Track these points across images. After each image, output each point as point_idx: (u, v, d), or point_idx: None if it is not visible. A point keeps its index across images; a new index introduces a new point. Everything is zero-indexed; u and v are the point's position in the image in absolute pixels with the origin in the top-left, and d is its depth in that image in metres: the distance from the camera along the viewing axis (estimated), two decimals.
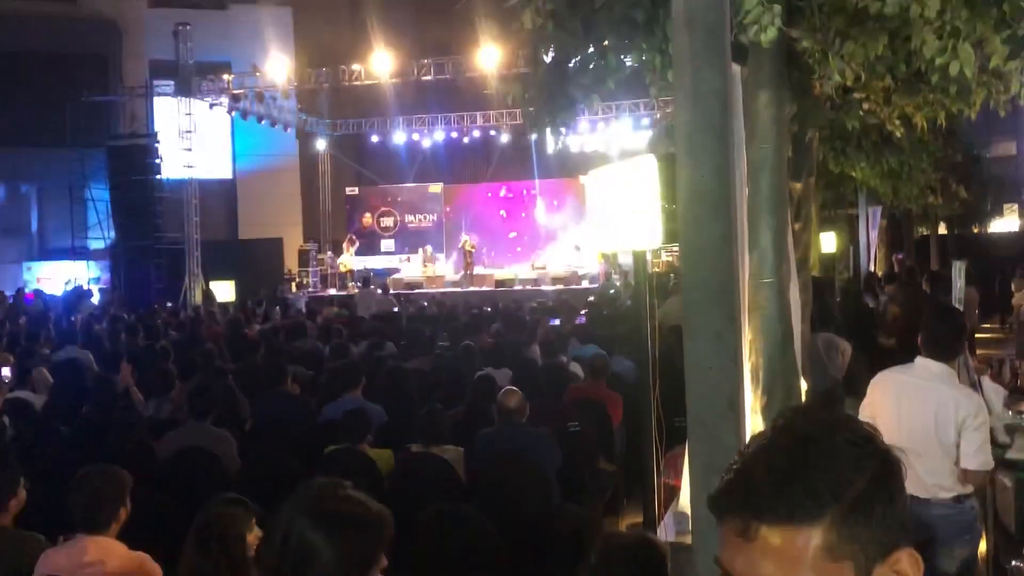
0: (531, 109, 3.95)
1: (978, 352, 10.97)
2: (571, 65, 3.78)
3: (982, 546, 4.61)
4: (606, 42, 3.62)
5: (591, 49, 3.69)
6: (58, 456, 5.40)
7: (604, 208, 3.52)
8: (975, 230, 24.18)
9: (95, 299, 20.28)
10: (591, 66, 3.63)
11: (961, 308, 6.03)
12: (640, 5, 3.33)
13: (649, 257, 14.00)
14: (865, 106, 5.40)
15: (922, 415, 3.77)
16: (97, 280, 23.22)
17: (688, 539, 2.88)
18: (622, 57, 3.68)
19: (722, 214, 1.93)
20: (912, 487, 3.84)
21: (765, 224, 3.72)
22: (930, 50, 3.49)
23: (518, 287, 21.50)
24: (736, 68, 3.88)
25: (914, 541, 2.97)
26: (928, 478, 3.80)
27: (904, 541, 0.98)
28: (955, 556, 3.77)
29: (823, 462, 0.95)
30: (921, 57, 3.75)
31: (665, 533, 3.60)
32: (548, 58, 3.82)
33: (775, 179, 3.74)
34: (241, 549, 2.86)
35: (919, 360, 3.93)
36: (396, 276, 23.56)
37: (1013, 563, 3.58)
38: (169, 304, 19.76)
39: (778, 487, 0.94)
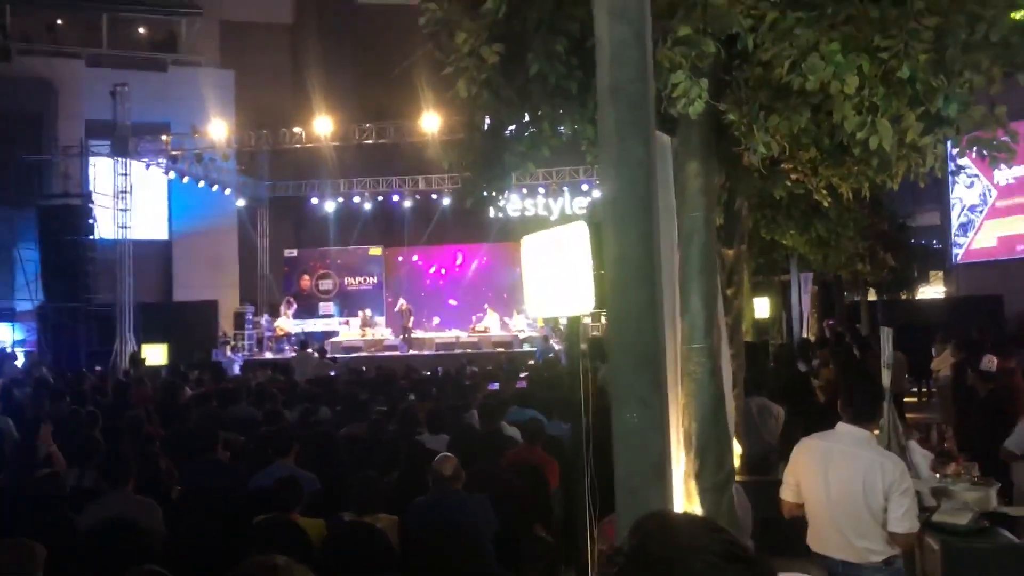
0: (467, 175, 3.99)
1: (907, 416, 11.23)
2: (507, 132, 3.85)
3: None
4: (540, 111, 3.69)
5: (527, 117, 3.76)
6: None
7: (538, 273, 3.55)
8: (903, 296, 24.94)
9: (19, 362, 19.60)
10: (526, 134, 3.70)
11: (890, 373, 6.17)
12: (573, 76, 3.42)
13: (589, 321, 14.12)
14: (793, 176, 5.59)
15: (849, 481, 3.83)
16: (22, 343, 22.47)
17: None
18: (556, 126, 3.75)
19: (648, 280, 1.96)
20: (843, 552, 3.88)
21: (696, 290, 3.79)
22: (851, 124, 3.64)
23: (459, 351, 21.42)
24: (666, 138, 3.99)
25: None
26: (858, 542, 3.84)
27: None
28: None
29: None
30: (843, 131, 3.91)
31: None
32: (485, 126, 3.88)
33: (705, 246, 3.82)
34: None
35: (840, 426, 4.00)
36: (335, 339, 23.31)
37: None
38: (98, 368, 19.18)
39: None
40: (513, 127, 3.85)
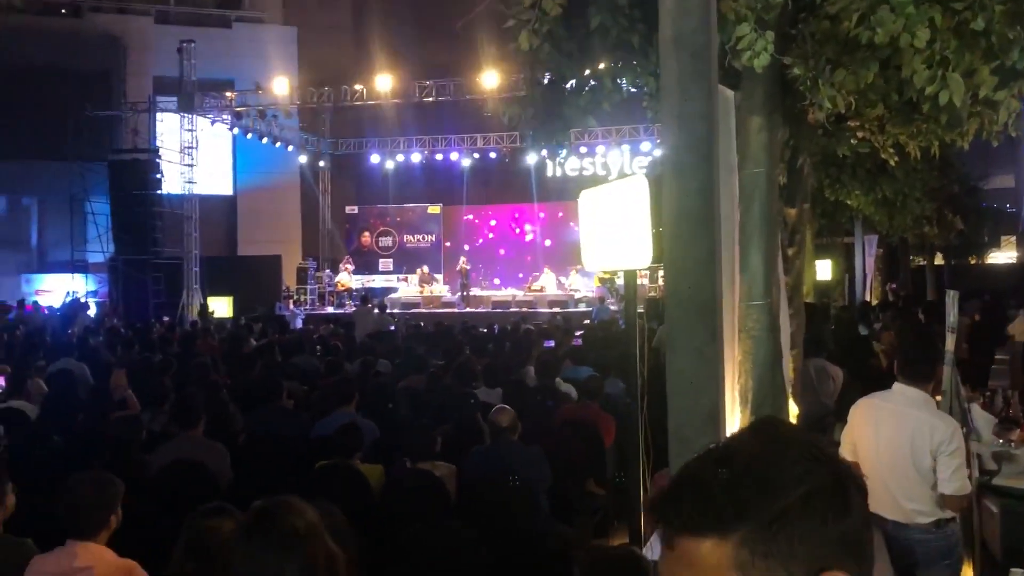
0: (528, 130, 4.01)
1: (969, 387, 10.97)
2: (568, 87, 3.85)
3: (968, 573, 4.62)
4: (601, 65, 3.68)
5: (587, 72, 3.75)
6: (51, 465, 5.41)
7: (596, 227, 3.57)
8: (972, 261, 24.26)
9: (92, 312, 20.30)
10: (587, 88, 3.69)
11: (954, 337, 6.06)
12: (635, 29, 3.40)
13: (647, 282, 14.05)
14: (859, 134, 5.46)
15: (898, 441, 3.80)
16: (95, 293, 23.25)
17: None
18: (617, 80, 3.74)
19: (707, 233, 1.98)
20: (892, 512, 3.87)
21: (756, 247, 3.77)
22: (920, 79, 3.56)
23: (514, 309, 21.53)
24: (729, 93, 3.94)
25: (896, 565, 2.96)
26: (906, 503, 3.83)
27: (839, 564, 0.90)
28: None
29: (748, 478, 0.90)
30: (912, 86, 3.82)
31: (651, 553, 3.62)
32: (545, 80, 3.88)
33: (766, 203, 3.79)
34: (227, 556, 2.88)
35: (896, 386, 3.97)
36: (393, 295, 23.62)
37: None
38: (166, 318, 19.78)
39: (692, 499, 0.91)
40: (574, 81, 3.85)
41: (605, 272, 20.86)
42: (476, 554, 4.17)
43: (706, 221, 1.97)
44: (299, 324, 18.53)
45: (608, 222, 3.35)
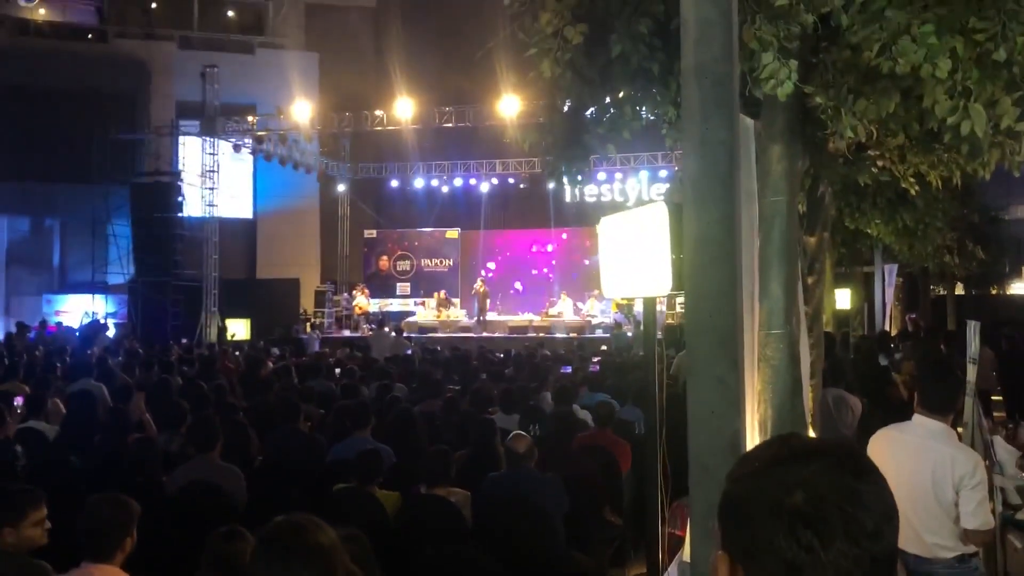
0: (548, 157, 4.03)
1: (994, 414, 10.86)
2: (588, 114, 3.86)
3: None
4: (622, 93, 3.70)
5: (608, 99, 3.77)
6: (68, 485, 5.42)
7: (615, 254, 3.56)
8: (993, 291, 24.04)
9: (111, 333, 20.45)
10: (607, 116, 3.71)
11: (975, 368, 6.00)
12: (655, 58, 3.41)
13: (664, 308, 13.99)
14: (879, 163, 5.45)
15: (919, 474, 3.74)
16: (114, 314, 23.44)
17: None
18: (637, 108, 3.75)
19: (728, 261, 1.97)
20: (913, 546, 3.81)
21: (775, 275, 3.75)
22: (942, 110, 3.55)
23: (531, 334, 21.51)
24: (749, 122, 3.95)
25: None
26: (928, 537, 3.76)
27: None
28: None
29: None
30: (933, 116, 3.81)
31: None
32: (566, 107, 3.90)
33: (786, 231, 3.77)
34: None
35: (916, 418, 3.91)
36: (410, 319, 23.66)
37: None
38: (184, 340, 19.89)
39: None
40: (594, 109, 3.87)
41: (623, 299, 20.87)
42: None
43: (727, 249, 1.97)
44: (316, 347, 18.56)
45: (627, 249, 3.35)
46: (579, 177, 4.03)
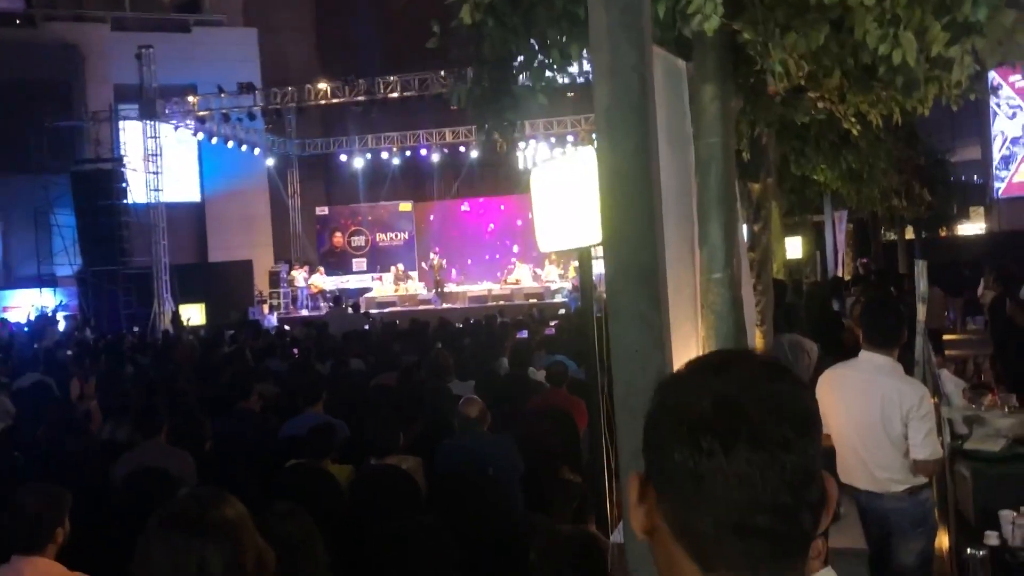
0: (475, 112, 3.91)
1: (945, 352, 11.03)
2: (515, 65, 3.75)
3: (943, 539, 4.58)
4: (547, 39, 3.58)
5: (535, 46, 3.65)
6: (12, 482, 5.26)
7: (548, 205, 3.47)
8: (942, 233, 24.41)
9: (61, 326, 20.00)
10: (535, 64, 3.59)
11: (924, 307, 6.03)
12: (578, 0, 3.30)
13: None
14: (819, 105, 5.40)
15: (868, 409, 3.74)
16: (64, 307, 22.91)
17: None
18: (565, 52, 3.64)
19: (644, 195, 1.88)
20: (865, 482, 3.81)
21: (715, 220, 3.69)
22: (872, 39, 3.49)
23: (491, 303, 21.43)
24: (681, 63, 3.86)
25: (870, 535, 2.89)
26: (879, 472, 3.77)
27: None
28: (911, 549, 3.74)
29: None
30: (866, 49, 3.75)
31: (620, 537, 3.54)
32: (491, 59, 3.78)
33: (723, 174, 3.71)
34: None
35: (863, 354, 3.92)
36: (368, 295, 23.44)
37: (969, 551, 3.55)
38: (136, 329, 19.52)
39: None
40: (521, 58, 3.75)
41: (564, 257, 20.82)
42: (448, 546, 4.07)
43: (644, 182, 1.88)
44: (272, 328, 18.32)
45: (560, 199, 3.26)
46: (511, 133, 3.92)
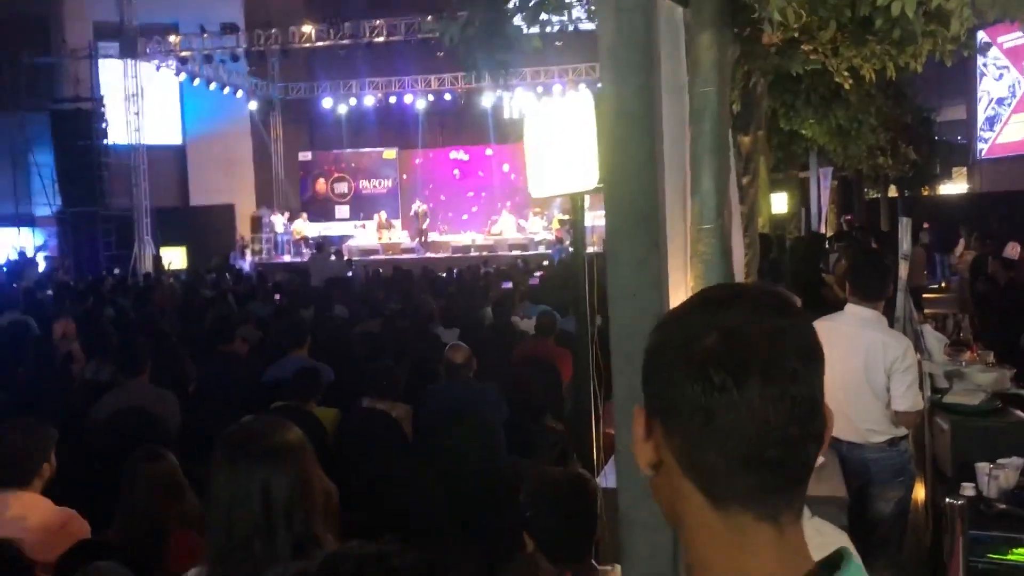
0: (468, 51, 3.85)
1: (925, 311, 11.14)
2: (509, 4, 3.68)
3: (920, 490, 4.68)
4: None
5: None
6: None
7: (541, 150, 3.44)
8: (925, 192, 24.51)
9: (41, 268, 19.82)
10: (529, 4, 3.53)
11: (907, 265, 6.07)
12: None
13: (603, 222, 13.98)
14: (812, 57, 5.37)
15: (852, 360, 3.79)
16: (44, 247, 22.66)
17: None
18: None
19: (646, 136, 1.87)
20: (846, 433, 3.87)
21: (707, 168, 3.65)
22: None
23: (475, 253, 21.39)
24: (679, 10, 3.80)
25: (850, 484, 2.93)
26: (860, 423, 3.83)
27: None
28: (889, 498, 3.82)
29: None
30: (864, 1, 3.71)
31: (604, 482, 3.58)
32: None
33: (717, 123, 3.67)
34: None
35: (848, 307, 3.96)
36: (351, 243, 23.33)
37: (947, 500, 3.62)
38: (117, 271, 19.37)
39: None
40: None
41: (565, 215, 20.78)
42: (433, 491, 4.11)
43: (646, 122, 1.86)
44: (246, 270, 18.21)
45: (553, 143, 3.23)
46: (503, 72, 3.86)
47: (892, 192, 21.21)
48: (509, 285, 11.68)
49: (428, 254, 22.17)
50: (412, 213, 23.94)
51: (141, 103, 21.67)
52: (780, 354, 0.89)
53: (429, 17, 18.66)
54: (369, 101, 25.58)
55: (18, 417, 3.47)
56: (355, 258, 20.73)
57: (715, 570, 0.91)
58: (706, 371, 0.88)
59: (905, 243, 7.51)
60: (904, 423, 3.82)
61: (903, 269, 5.81)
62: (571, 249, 18.29)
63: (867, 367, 3.77)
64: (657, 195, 1.88)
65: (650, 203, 1.87)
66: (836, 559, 0.92)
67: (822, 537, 1.66)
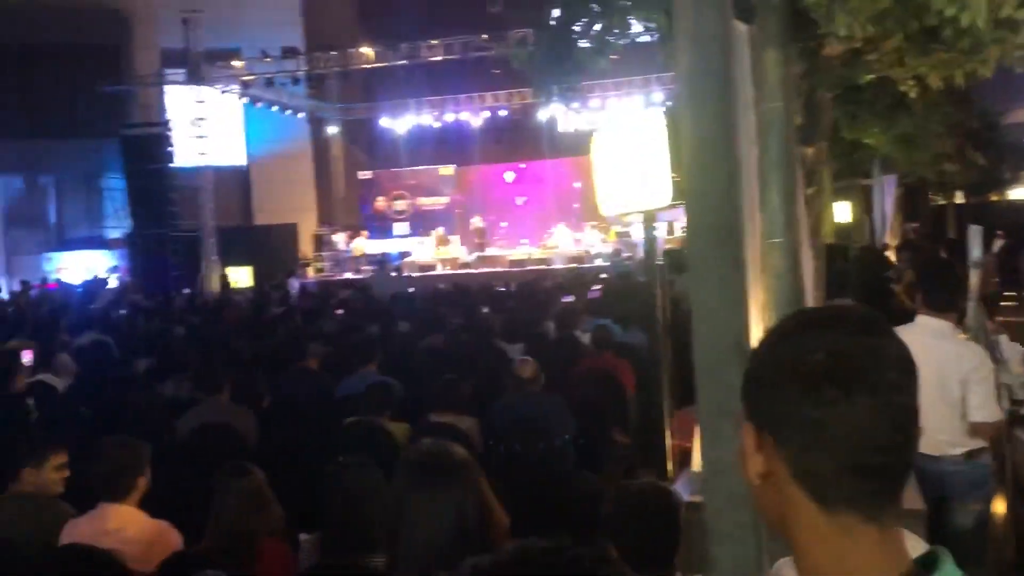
0: (537, 74, 3.94)
1: (998, 319, 10.87)
2: (576, 28, 3.77)
3: (1000, 504, 4.59)
4: (610, 4, 3.60)
5: (597, 10, 3.66)
6: (80, 435, 5.47)
7: (612, 169, 3.51)
8: (993, 198, 23.87)
9: (111, 286, 20.48)
10: (596, 28, 3.61)
11: (978, 273, 5.98)
12: None
13: (665, 233, 13.90)
14: (876, 67, 5.34)
15: (925, 372, 3.72)
16: (115, 269, 23.41)
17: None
18: (627, 18, 3.66)
19: (726, 158, 1.93)
20: (923, 446, 3.82)
21: (774, 183, 3.70)
22: (939, 1, 3.46)
23: (531, 267, 21.47)
24: (743, 27, 3.85)
25: (928, 498, 2.95)
26: (937, 435, 3.79)
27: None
28: (969, 511, 3.78)
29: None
30: (931, 11, 3.71)
31: (682, 492, 3.61)
32: (553, 21, 3.80)
33: (783, 139, 3.72)
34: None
35: (919, 318, 3.94)
36: (410, 259, 23.60)
37: None
38: (186, 290, 19.91)
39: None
40: (583, 22, 3.77)
41: (621, 227, 20.77)
42: (503, 504, 4.18)
43: (724, 146, 1.92)
44: (295, 289, 18.54)
45: (624, 162, 3.29)
46: (571, 95, 3.95)
47: (959, 198, 20.72)
48: (570, 298, 11.72)
49: (485, 268, 22.32)
50: (471, 228, 24.12)
51: (206, 126, 22.29)
52: (883, 368, 0.98)
53: (484, 36, 18.90)
54: (426, 119, 25.92)
55: (115, 434, 3.64)
56: (414, 274, 20.99)
57: (824, 570, 0.99)
58: (818, 387, 0.97)
59: (975, 251, 7.36)
60: (982, 435, 3.78)
61: (974, 278, 5.72)
62: (628, 262, 18.24)
63: (940, 378, 3.74)
64: (736, 215, 1.94)
65: (730, 223, 1.93)
66: (932, 558, 0.99)
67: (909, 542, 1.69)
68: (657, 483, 2.72)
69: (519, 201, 26.42)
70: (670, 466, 3.80)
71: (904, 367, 1.01)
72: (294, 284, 20.23)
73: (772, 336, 1.09)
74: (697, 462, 3.61)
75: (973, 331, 5.30)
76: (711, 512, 1.89)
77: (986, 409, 3.70)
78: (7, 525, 3.31)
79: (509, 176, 26.62)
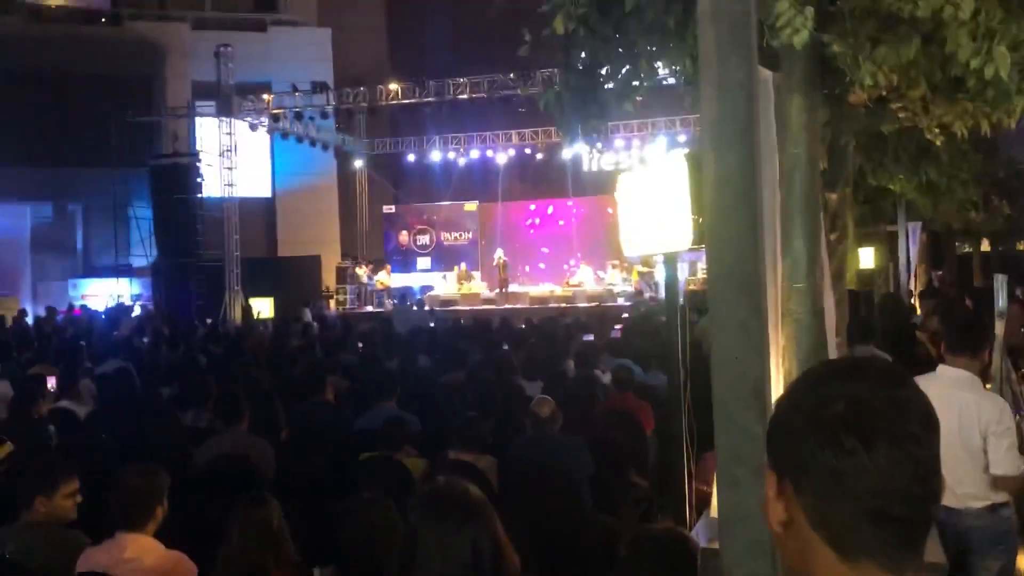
0: (563, 118, 3.99)
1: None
2: (603, 72, 3.82)
3: (1023, 559, 4.50)
4: (636, 48, 3.65)
5: (623, 55, 3.71)
6: (101, 463, 5.49)
7: (635, 211, 3.53)
8: (1020, 247, 23.67)
9: (135, 314, 20.67)
10: (623, 72, 3.66)
11: (1003, 322, 5.93)
12: (671, 11, 3.36)
13: (686, 275, 13.84)
14: (901, 115, 5.35)
15: (945, 423, 3.69)
16: (139, 297, 23.65)
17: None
18: (653, 63, 3.70)
19: (748, 205, 1.94)
20: (945, 499, 3.78)
21: (797, 229, 3.71)
22: (965, 53, 3.47)
23: (553, 304, 21.48)
24: (768, 74, 3.88)
25: (948, 551, 2.92)
26: (958, 488, 3.74)
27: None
28: (989, 567, 3.71)
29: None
30: (956, 63, 3.73)
31: (697, 540, 3.58)
32: (580, 66, 3.86)
33: (807, 184, 3.73)
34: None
35: (941, 368, 3.90)
36: (432, 293, 23.70)
37: None
38: (209, 320, 20.05)
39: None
40: (609, 67, 3.82)
41: (644, 267, 20.77)
42: (518, 544, 4.15)
43: (747, 193, 1.94)
44: (308, 318, 18.59)
45: (647, 205, 3.31)
46: (596, 139, 4.00)
47: (985, 246, 20.56)
48: (590, 337, 11.70)
49: (506, 305, 22.35)
50: (493, 264, 24.23)
51: (234, 158, 22.61)
52: (904, 421, 0.99)
53: (511, 75, 19.11)
54: (451, 156, 26.17)
55: (135, 463, 3.66)
56: (435, 308, 21.06)
57: None
58: (837, 436, 0.98)
59: (1001, 299, 7.29)
60: (1003, 488, 3.72)
61: (999, 327, 5.67)
62: (651, 302, 18.18)
63: (961, 429, 3.70)
64: (758, 262, 1.95)
65: (752, 269, 1.94)
66: None
67: None
68: (674, 528, 2.70)
69: (542, 239, 26.53)
70: (688, 511, 3.76)
71: (925, 420, 1.02)
72: (307, 314, 20.33)
73: (796, 386, 1.10)
74: (715, 507, 3.58)
75: (998, 381, 5.25)
76: (727, 559, 1.88)
77: (1008, 462, 3.65)
78: (24, 553, 3.32)
79: (533, 212, 26.75)
